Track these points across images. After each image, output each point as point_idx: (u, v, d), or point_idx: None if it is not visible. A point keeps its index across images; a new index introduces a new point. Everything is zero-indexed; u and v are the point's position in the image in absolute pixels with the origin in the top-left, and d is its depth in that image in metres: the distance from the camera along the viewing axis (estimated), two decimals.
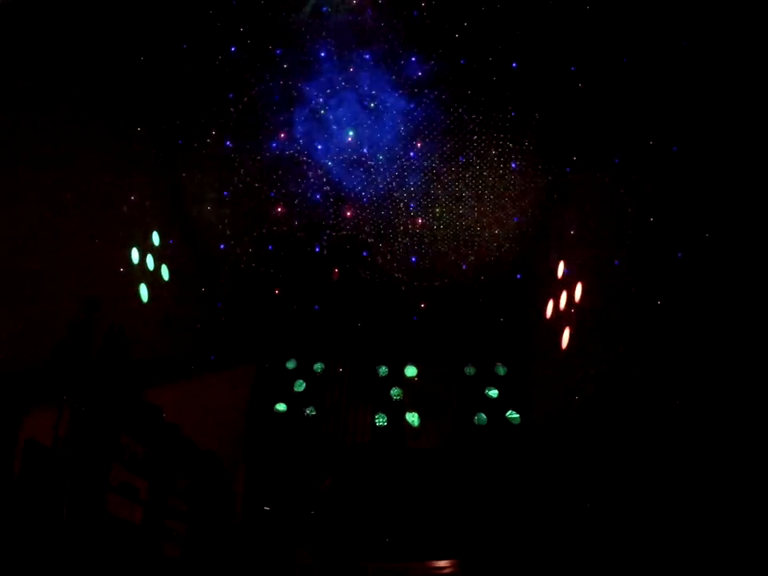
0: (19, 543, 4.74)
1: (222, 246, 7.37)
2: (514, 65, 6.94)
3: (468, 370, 8.40)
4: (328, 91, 7.08)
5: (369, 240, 7.59)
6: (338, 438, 7.82)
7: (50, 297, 5.47)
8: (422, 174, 7.28)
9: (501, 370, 8.30)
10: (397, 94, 7.10)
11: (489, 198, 7.49)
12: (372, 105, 7.07)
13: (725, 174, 4.71)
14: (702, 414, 4.33)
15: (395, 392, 8.19)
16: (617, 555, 4.97)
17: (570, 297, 6.71)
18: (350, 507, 7.21)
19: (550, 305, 7.34)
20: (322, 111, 7.10)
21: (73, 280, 5.69)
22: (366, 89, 7.11)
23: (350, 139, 7.16)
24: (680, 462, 4.49)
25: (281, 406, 7.94)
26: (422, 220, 7.55)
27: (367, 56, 7.01)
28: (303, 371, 8.46)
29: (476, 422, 7.98)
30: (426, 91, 7.07)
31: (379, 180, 7.24)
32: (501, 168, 7.35)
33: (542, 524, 6.26)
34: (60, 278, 5.57)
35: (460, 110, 7.11)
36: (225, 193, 7.36)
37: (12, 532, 4.74)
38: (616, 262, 5.86)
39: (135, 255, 6.53)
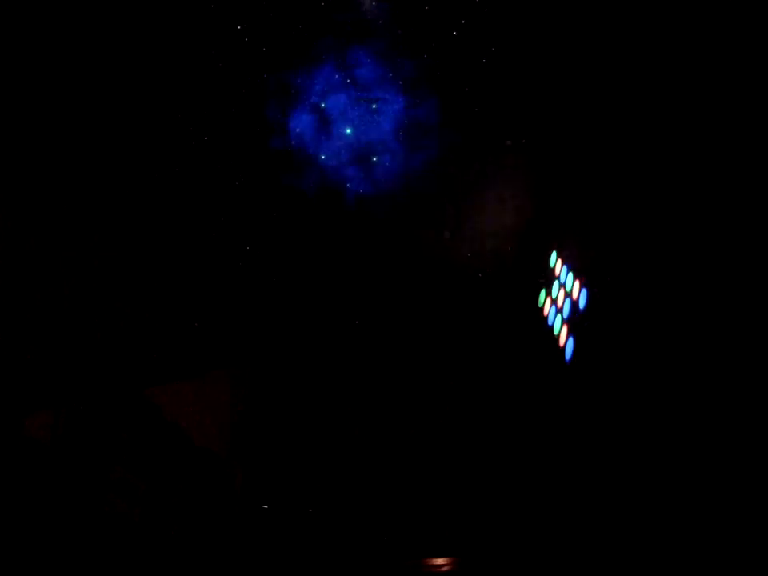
0: (18, 543, 4.75)
1: None
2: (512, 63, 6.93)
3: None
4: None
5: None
6: None
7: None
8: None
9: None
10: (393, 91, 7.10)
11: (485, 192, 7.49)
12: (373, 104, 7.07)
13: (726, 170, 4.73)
14: (704, 411, 4.35)
15: None
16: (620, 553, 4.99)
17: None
18: (348, 504, 7.23)
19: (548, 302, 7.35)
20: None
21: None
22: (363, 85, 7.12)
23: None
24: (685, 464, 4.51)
25: None
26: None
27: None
28: None
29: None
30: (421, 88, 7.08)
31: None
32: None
33: (543, 519, 6.29)
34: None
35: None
36: (223, 192, 7.31)
37: (11, 531, 4.75)
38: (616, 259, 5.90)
39: None
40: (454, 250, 7.86)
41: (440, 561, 6.69)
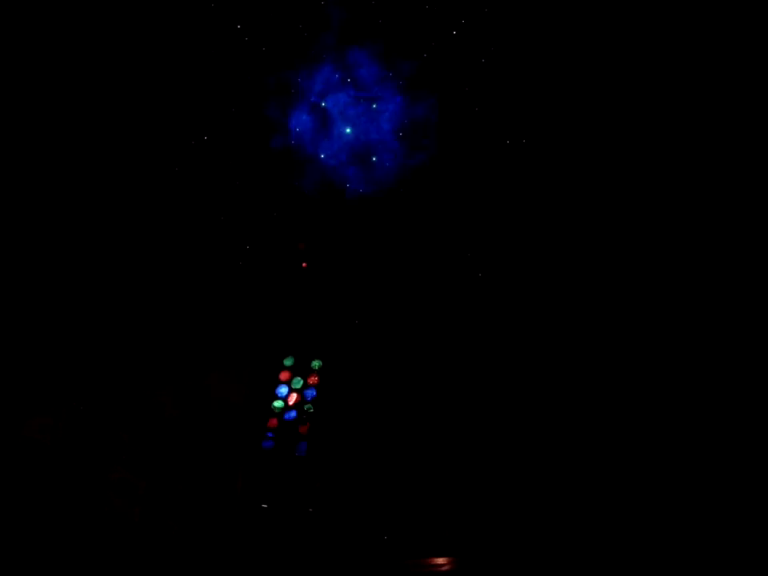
0: (18, 543, 4.75)
1: None
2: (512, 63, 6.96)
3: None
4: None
5: None
6: None
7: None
8: None
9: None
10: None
11: None
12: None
13: None
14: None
15: None
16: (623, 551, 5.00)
17: None
18: (346, 503, 7.21)
19: None
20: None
21: None
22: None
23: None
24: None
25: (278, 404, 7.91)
26: None
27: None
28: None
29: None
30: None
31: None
32: None
33: (542, 517, 6.28)
34: None
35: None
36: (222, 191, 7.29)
37: (11, 531, 4.75)
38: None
39: None
40: None
41: (440, 560, 6.67)
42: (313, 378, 7.70)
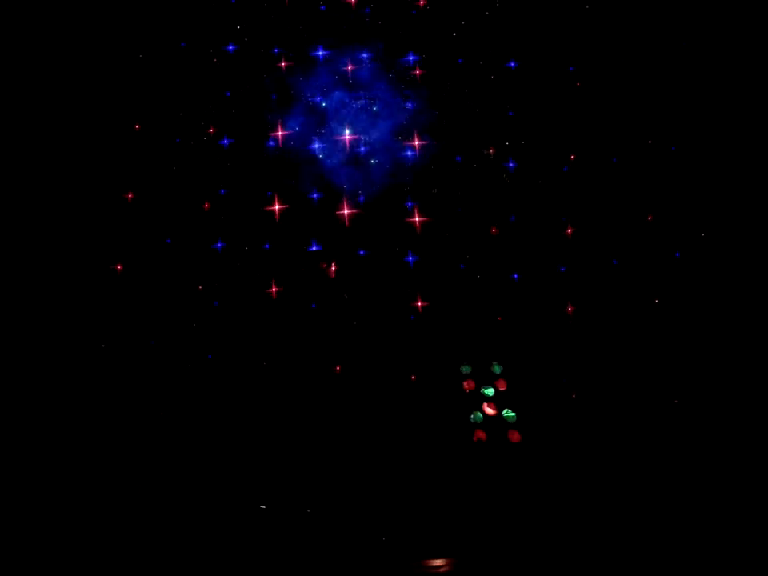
0: (19, 543, 4.75)
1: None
2: (511, 64, 6.99)
3: (464, 368, 8.30)
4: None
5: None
6: None
7: None
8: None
9: (497, 369, 8.21)
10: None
11: None
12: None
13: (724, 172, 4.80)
14: (700, 413, 4.38)
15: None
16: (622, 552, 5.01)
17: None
18: (345, 504, 7.20)
19: None
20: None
21: None
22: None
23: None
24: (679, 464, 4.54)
25: None
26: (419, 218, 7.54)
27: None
28: None
29: (472, 419, 7.94)
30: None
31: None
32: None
33: (543, 520, 6.29)
34: None
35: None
36: (221, 191, 7.30)
37: (12, 531, 4.75)
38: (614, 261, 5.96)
39: None
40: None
41: (438, 562, 6.67)
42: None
